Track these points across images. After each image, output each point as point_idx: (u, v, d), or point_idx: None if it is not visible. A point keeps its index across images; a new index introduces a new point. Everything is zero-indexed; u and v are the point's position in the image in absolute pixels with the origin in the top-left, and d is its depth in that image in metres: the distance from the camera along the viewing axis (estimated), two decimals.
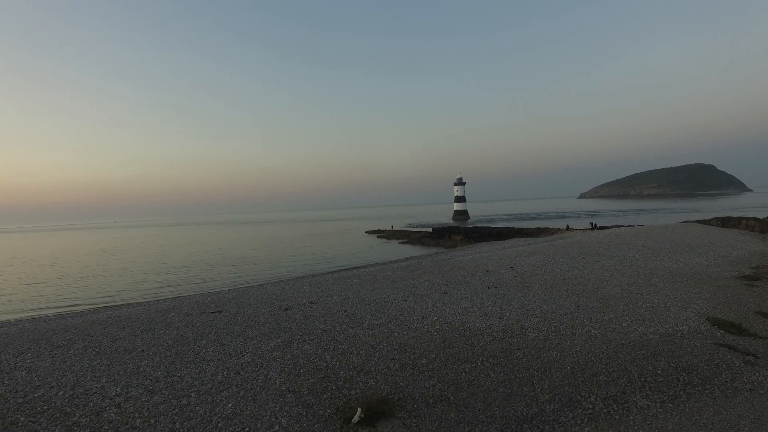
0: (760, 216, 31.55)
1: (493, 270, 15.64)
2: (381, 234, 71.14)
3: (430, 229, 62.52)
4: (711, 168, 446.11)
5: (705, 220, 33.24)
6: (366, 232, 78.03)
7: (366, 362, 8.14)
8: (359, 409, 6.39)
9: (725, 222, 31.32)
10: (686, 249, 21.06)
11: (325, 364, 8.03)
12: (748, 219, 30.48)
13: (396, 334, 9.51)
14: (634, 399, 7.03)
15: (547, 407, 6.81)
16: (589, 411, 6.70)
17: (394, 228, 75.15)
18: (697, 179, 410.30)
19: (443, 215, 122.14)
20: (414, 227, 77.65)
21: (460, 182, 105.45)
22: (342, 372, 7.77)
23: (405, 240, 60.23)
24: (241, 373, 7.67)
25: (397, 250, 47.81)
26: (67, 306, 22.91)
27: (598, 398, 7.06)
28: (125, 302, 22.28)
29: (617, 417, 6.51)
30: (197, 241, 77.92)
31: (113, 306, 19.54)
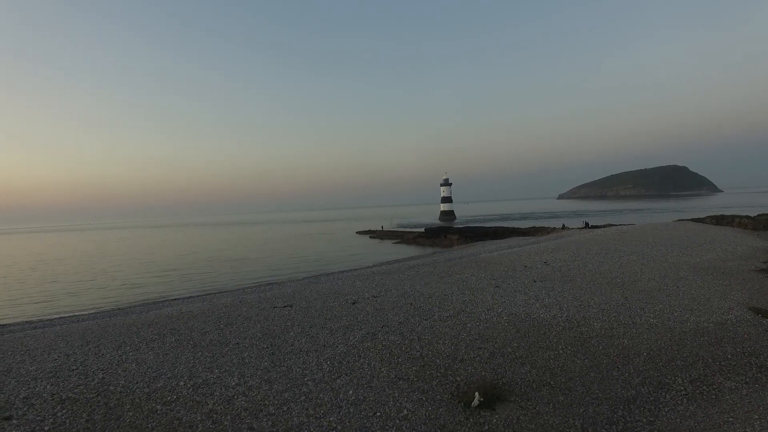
0: (752, 214, 32.54)
1: (530, 265, 15.96)
2: (372, 234, 70.50)
3: (422, 229, 62.31)
4: (684, 169, 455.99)
5: (700, 218, 34.14)
6: (356, 232, 77.70)
7: (455, 351, 8.33)
8: (477, 394, 6.58)
9: (719, 220, 32.24)
10: (694, 245, 21.68)
11: (418, 354, 8.20)
12: (741, 217, 31.43)
13: (469, 325, 9.71)
14: (719, 381, 7.35)
15: (642, 389, 7.09)
16: (683, 392, 7.00)
17: (385, 228, 74.77)
18: (671, 180, 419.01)
19: (430, 216, 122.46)
20: (404, 227, 77.27)
21: (446, 183, 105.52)
22: (438, 360, 7.95)
23: (398, 240, 59.81)
24: (344, 362, 7.80)
25: (396, 250, 47.73)
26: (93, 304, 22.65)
27: (685, 380, 7.37)
28: (158, 300, 22.10)
29: (713, 397, 6.82)
30: (188, 242, 76.04)
31: (157, 302, 19.42)
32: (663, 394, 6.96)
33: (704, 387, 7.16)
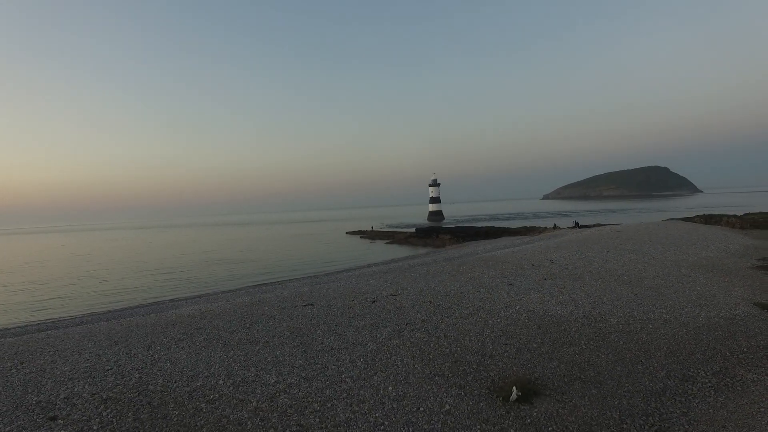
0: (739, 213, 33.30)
1: (537, 264, 16.15)
2: (363, 235, 70.37)
3: (412, 230, 62.38)
4: (665, 170, 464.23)
5: (689, 218, 34.82)
6: (346, 233, 77.56)
7: (482, 348, 8.42)
8: (514, 388, 6.67)
9: (708, 219, 32.94)
10: (689, 244, 22.14)
11: (447, 350, 8.27)
12: (728, 216, 32.15)
13: (491, 322, 9.82)
14: (741, 373, 7.56)
15: (669, 382, 7.26)
16: (709, 384, 7.19)
17: (375, 229, 74.66)
18: (652, 181, 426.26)
19: (418, 216, 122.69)
20: (393, 228, 77.28)
21: (434, 183, 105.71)
22: (468, 356, 8.03)
23: (390, 240, 59.75)
24: (377, 359, 7.84)
25: (390, 250, 47.79)
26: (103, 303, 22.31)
27: (708, 373, 7.57)
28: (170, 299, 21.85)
29: (739, 389, 7.01)
30: (173, 244, 74.74)
31: (171, 302, 19.21)
32: (689, 386, 7.13)
33: (728, 379, 7.36)
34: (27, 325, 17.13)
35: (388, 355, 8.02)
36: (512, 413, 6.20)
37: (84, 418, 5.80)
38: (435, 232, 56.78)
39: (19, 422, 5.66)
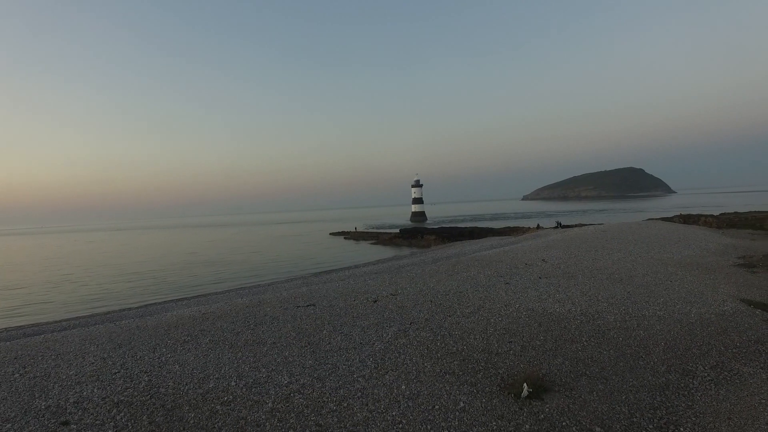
0: (715, 213, 34.34)
1: (531, 263, 16.38)
2: (347, 235, 70.33)
3: (396, 230, 62.55)
4: (640, 172, 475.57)
5: (668, 217, 35.76)
6: (330, 233, 77.35)
7: (488, 346, 8.52)
8: (525, 385, 6.77)
9: (686, 219, 33.90)
10: (671, 243, 22.75)
11: (454, 349, 8.34)
12: (705, 216, 33.14)
13: (493, 320, 9.93)
14: (737, 367, 7.81)
15: (670, 377, 7.45)
16: (708, 378, 7.40)
17: (358, 229, 74.67)
18: (628, 182, 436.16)
19: (400, 216, 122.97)
20: (377, 229, 77.42)
21: (417, 184, 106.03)
22: (475, 354, 8.11)
23: (374, 241, 59.84)
24: (386, 359, 7.85)
25: (376, 250, 47.84)
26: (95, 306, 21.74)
27: (706, 367, 7.80)
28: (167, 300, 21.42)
29: (737, 381, 7.24)
30: (153, 246, 73.27)
31: (164, 302, 18.82)
32: (690, 380, 7.33)
33: (725, 373, 7.59)
34: (9, 330, 16.58)
35: (397, 355, 8.04)
36: (525, 409, 6.29)
37: (97, 422, 5.67)
38: (420, 233, 56.98)
39: (30, 428, 5.51)
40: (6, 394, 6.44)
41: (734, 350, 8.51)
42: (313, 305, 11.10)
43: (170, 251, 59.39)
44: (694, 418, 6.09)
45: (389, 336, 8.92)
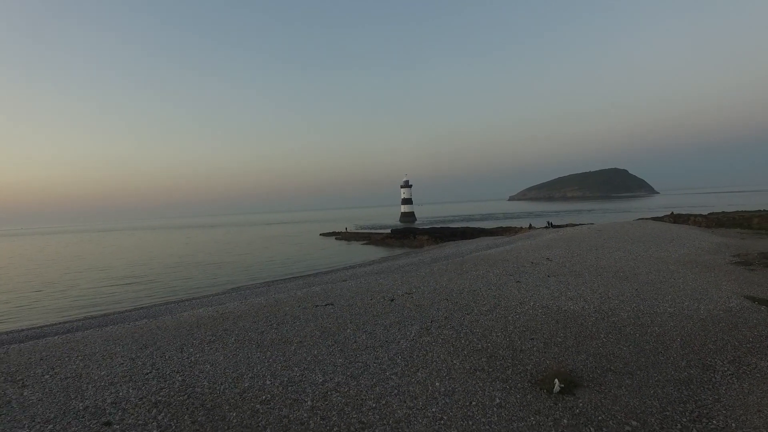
0: (704, 213, 35.00)
1: (536, 261, 16.55)
2: (338, 236, 69.99)
3: (387, 231, 62.44)
4: (624, 172, 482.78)
5: (659, 217, 36.36)
6: (320, 234, 77.01)
7: (511, 343, 8.59)
8: (557, 380, 6.85)
9: (677, 219, 34.50)
10: (665, 242, 23.15)
11: (480, 346, 8.39)
12: (695, 216, 33.77)
13: (511, 318, 10.02)
14: (754, 361, 7.99)
15: (692, 371, 7.60)
16: (729, 372, 7.56)
17: (349, 230, 74.49)
18: (613, 183, 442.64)
19: (389, 217, 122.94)
20: (367, 229, 77.23)
21: (406, 185, 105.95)
22: (500, 351, 8.18)
23: (366, 241, 59.61)
24: (414, 356, 7.87)
25: (369, 251, 47.74)
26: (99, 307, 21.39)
27: (725, 362, 7.96)
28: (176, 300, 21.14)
29: (758, 375, 7.41)
30: (142, 248, 71.62)
31: (180, 301, 18.59)
32: (712, 375, 7.48)
33: (744, 367, 7.76)
34: (9, 333, 16.26)
35: (424, 352, 8.07)
36: (560, 404, 6.36)
37: (140, 422, 5.60)
38: (412, 233, 56.90)
39: (72, 429, 5.42)
40: (41, 395, 6.32)
41: (748, 345, 8.70)
42: (332, 304, 11.07)
43: (161, 253, 58.58)
44: (724, 411, 6.22)
45: (413, 334, 8.94)
